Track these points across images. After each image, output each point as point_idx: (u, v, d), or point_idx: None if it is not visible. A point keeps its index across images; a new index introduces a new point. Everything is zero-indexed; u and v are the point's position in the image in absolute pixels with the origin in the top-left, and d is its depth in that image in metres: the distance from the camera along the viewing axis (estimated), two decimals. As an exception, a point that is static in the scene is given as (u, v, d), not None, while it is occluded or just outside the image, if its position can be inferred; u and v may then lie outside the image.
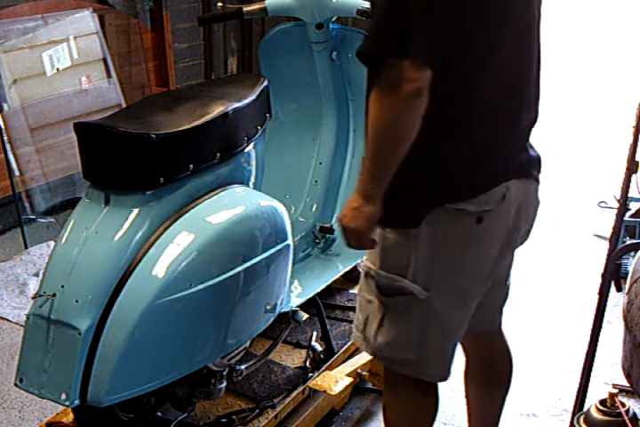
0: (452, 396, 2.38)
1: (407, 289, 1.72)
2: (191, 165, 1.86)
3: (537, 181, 1.82)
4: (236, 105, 2.01)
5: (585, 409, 2.03)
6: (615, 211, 2.44)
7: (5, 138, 3.66)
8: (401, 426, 1.91)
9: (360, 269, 2.98)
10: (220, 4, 2.63)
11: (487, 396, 2.13)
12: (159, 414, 2.08)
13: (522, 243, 1.92)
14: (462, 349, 2.10)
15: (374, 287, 1.77)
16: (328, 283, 2.64)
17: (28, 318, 1.75)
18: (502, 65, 1.63)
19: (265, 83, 2.22)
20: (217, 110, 1.95)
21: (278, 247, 2.04)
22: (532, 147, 1.82)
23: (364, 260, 1.86)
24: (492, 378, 2.10)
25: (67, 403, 1.71)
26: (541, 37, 1.75)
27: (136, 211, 1.80)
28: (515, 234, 1.80)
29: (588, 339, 2.24)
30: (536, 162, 1.82)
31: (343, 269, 2.75)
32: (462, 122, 1.63)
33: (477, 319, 1.96)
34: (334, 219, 2.84)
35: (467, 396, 2.17)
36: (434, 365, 1.81)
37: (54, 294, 1.72)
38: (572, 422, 2.09)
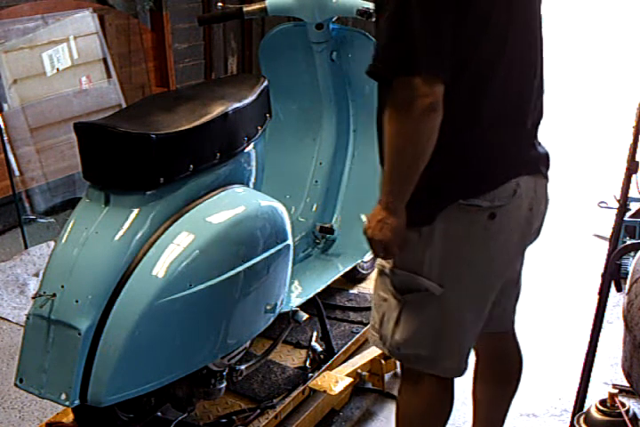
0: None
1: (422, 286, 1.73)
2: (191, 166, 1.86)
3: (545, 177, 1.83)
4: (236, 105, 2.01)
5: (585, 409, 2.02)
6: (615, 211, 2.44)
7: (5, 138, 3.66)
8: (416, 424, 1.91)
9: (360, 270, 3.01)
10: (220, 3, 2.63)
11: (496, 396, 2.13)
12: (159, 414, 2.08)
13: (533, 241, 1.91)
14: (474, 348, 2.10)
15: (389, 285, 1.78)
16: (328, 283, 2.64)
17: (28, 318, 1.75)
18: (509, 68, 1.64)
19: (265, 83, 2.22)
20: (217, 110, 1.95)
21: (278, 247, 2.04)
22: (539, 144, 1.83)
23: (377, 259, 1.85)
24: (502, 378, 2.10)
25: (67, 403, 1.71)
26: (543, 35, 1.75)
27: (136, 211, 1.80)
28: (528, 231, 1.81)
29: (588, 339, 2.23)
30: (544, 158, 1.83)
31: (343, 269, 2.75)
32: (473, 123, 1.65)
33: (493, 319, 1.95)
34: (334, 219, 2.85)
35: (474, 395, 2.16)
36: (450, 360, 1.81)
37: (54, 294, 1.72)
38: (572, 423, 2.08)
